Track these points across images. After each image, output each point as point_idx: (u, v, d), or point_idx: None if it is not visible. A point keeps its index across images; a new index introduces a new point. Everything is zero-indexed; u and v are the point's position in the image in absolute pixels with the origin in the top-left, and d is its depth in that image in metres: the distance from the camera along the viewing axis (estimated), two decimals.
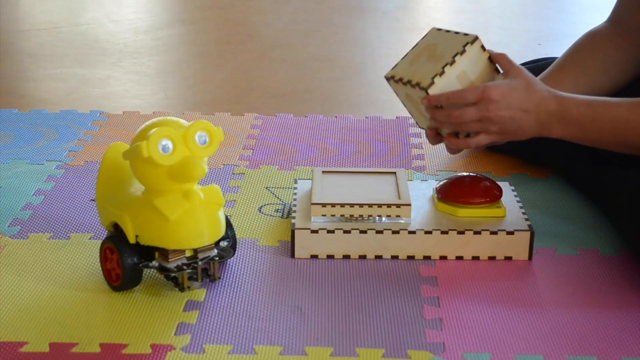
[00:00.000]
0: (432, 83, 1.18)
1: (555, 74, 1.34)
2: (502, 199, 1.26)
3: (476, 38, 1.20)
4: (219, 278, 1.15)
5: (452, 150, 1.24)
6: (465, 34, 1.21)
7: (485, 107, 1.16)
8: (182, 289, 1.10)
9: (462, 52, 1.19)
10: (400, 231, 1.20)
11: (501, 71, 1.21)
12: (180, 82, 2.03)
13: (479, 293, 1.13)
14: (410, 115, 1.27)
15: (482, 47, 1.21)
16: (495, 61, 1.21)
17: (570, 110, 1.17)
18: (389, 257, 1.21)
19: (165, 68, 2.13)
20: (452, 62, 1.19)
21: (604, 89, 1.33)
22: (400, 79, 1.22)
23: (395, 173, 1.32)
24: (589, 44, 1.36)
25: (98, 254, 1.18)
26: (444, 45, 1.22)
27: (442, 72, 1.18)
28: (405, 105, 1.28)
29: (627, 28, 1.34)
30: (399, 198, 1.24)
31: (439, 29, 1.26)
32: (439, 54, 1.21)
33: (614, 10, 1.38)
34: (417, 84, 1.19)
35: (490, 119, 1.16)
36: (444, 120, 1.19)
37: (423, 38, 1.26)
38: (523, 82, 1.17)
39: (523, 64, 1.50)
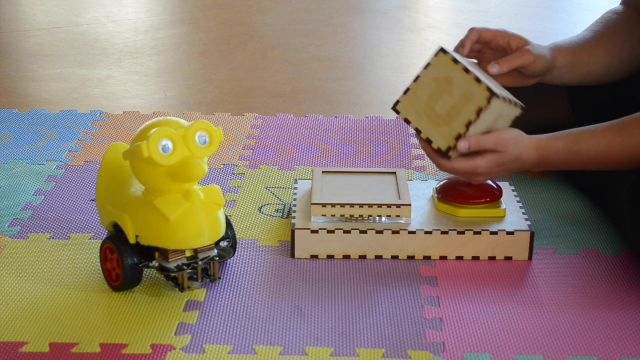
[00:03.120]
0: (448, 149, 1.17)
1: (593, 44, 1.33)
2: (502, 199, 1.26)
3: (492, 94, 1.15)
4: (219, 278, 1.15)
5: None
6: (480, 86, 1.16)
7: (472, 177, 1.21)
8: (182, 289, 1.10)
9: (485, 107, 1.15)
10: (400, 231, 1.20)
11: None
12: (180, 82, 2.03)
13: (479, 293, 1.13)
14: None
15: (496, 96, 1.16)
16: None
17: (550, 160, 1.20)
18: (389, 257, 1.21)
19: (165, 68, 2.13)
20: (476, 120, 1.16)
21: (630, 67, 1.35)
22: (408, 121, 1.19)
23: (395, 173, 1.32)
24: (623, 20, 1.35)
25: (98, 254, 1.19)
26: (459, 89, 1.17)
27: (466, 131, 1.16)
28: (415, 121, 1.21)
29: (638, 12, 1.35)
30: (399, 198, 1.24)
31: (447, 54, 1.17)
32: (456, 108, 1.17)
33: None
34: (439, 149, 1.18)
35: (477, 179, 1.21)
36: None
37: (432, 63, 1.18)
38: (507, 157, 1.19)
39: None
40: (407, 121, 1.19)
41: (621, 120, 1.19)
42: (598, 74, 1.33)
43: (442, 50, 1.17)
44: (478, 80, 1.15)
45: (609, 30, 1.35)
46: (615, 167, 1.20)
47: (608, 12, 1.38)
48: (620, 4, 1.39)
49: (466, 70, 1.16)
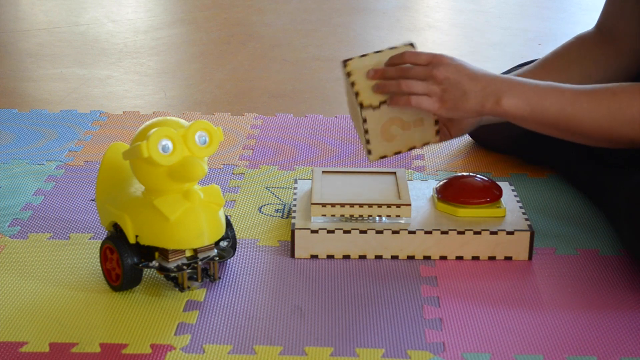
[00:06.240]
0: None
1: (537, 72, 1.33)
2: (502, 199, 1.26)
3: None
4: (219, 278, 1.15)
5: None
6: None
7: (434, 67, 1.14)
8: (182, 289, 1.10)
9: None
10: (400, 231, 1.20)
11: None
12: (180, 82, 2.03)
13: (479, 293, 1.13)
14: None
15: None
16: None
17: (516, 80, 1.15)
18: (389, 257, 1.21)
19: (165, 68, 2.13)
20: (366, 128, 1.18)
21: None
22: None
23: (395, 173, 1.32)
24: (576, 48, 1.36)
25: (98, 254, 1.19)
26: None
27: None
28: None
29: (612, 37, 1.34)
30: (399, 198, 1.24)
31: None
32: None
33: (600, 18, 1.38)
34: (357, 95, 1.17)
35: (436, 78, 1.14)
36: (393, 74, 1.16)
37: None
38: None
39: (521, 64, 1.50)
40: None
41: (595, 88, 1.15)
42: None
43: (343, 62, 1.20)
44: (357, 93, 1.17)
45: (562, 51, 1.35)
46: (577, 126, 1.14)
47: (573, 38, 1.37)
48: (594, 27, 1.38)
49: (352, 84, 1.18)
